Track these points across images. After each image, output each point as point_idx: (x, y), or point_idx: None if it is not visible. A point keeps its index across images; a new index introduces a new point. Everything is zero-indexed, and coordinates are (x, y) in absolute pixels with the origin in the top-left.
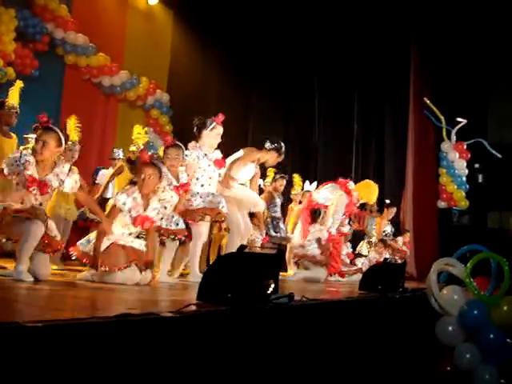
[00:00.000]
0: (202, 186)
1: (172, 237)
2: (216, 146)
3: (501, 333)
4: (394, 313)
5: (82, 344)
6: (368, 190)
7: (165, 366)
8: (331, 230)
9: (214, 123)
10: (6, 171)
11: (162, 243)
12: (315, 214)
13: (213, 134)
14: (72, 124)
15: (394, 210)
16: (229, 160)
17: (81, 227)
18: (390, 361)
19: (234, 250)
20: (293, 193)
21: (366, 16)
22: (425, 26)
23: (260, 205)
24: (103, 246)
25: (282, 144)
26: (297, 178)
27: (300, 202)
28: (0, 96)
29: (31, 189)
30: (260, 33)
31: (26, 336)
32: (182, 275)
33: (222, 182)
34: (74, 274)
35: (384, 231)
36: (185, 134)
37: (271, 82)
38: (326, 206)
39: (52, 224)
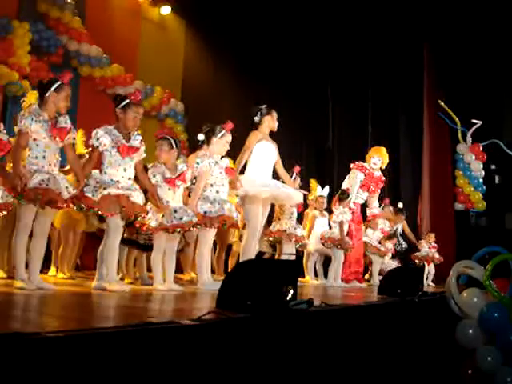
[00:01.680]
0: (218, 192)
1: (178, 230)
2: (224, 154)
3: None
4: (414, 317)
5: (104, 353)
6: (379, 150)
7: (186, 374)
8: (350, 204)
9: (224, 131)
10: None
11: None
12: (343, 195)
13: (222, 141)
14: (79, 138)
15: (403, 217)
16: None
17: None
18: (412, 365)
19: (251, 253)
20: (309, 198)
21: (378, 20)
22: (438, 27)
23: (298, 197)
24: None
25: (263, 105)
26: (313, 183)
27: (316, 208)
28: (15, 109)
29: None
30: (273, 40)
31: (48, 347)
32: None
33: (230, 184)
34: (89, 282)
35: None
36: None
37: (285, 87)
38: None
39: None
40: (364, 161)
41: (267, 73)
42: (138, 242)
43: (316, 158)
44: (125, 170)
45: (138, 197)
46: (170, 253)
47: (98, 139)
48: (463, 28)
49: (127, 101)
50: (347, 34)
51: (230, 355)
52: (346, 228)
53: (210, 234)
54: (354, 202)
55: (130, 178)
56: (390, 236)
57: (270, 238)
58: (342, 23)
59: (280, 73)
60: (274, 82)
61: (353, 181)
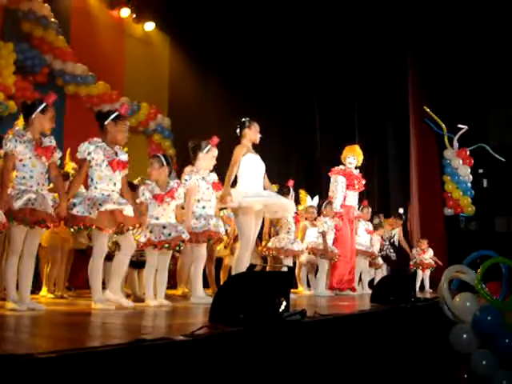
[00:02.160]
0: (204, 207)
1: (166, 246)
2: (212, 169)
3: None
4: (408, 323)
5: (97, 373)
6: (353, 149)
7: None
8: (336, 207)
9: (210, 146)
10: None
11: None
12: (324, 205)
13: (208, 156)
14: (67, 158)
15: (401, 222)
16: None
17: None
18: (407, 371)
19: (244, 266)
20: (299, 208)
21: (361, 30)
22: (421, 35)
23: (291, 208)
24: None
25: (245, 118)
26: (303, 193)
27: (306, 218)
28: (1, 130)
29: None
30: (258, 53)
31: (41, 368)
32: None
33: (220, 198)
34: (80, 301)
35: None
36: (188, 157)
37: (271, 100)
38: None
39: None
40: (339, 164)
41: (253, 86)
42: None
43: (304, 168)
44: (114, 184)
45: (129, 210)
46: (162, 269)
47: (89, 153)
48: (446, 34)
49: (117, 113)
50: (332, 45)
51: (224, 369)
52: (330, 237)
53: (202, 250)
54: (343, 205)
55: (117, 192)
56: (375, 226)
57: (265, 253)
58: (326, 35)
59: (266, 86)
60: (260, 94)
61: (335, 187)
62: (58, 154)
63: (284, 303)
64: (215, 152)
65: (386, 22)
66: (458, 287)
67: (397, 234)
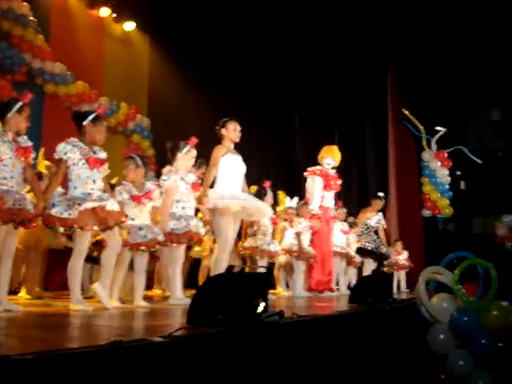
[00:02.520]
0: (183, 208)
1: (142, 248)
2: (190, 169)
3: (492, 337)
4: (386, 324)
5: (74, 374)
6: (330, 149)
7: None
8: (314, 209)
9: (189, 146)
10: None
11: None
12: (300, 206)
13: (188, 156)
14: (41, 157)
15: (382, 202)
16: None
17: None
18: (385, 372)
19: (222, 267)
20: (278, 210)
21: (342, 31)
22: (401, 37)
23: (268, 211)
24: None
25: (225, 118)
26: (282, 194)
27: (285, 220)
28: None
29: None
30: (237, 54)
31: (17, 369)
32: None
33: (198, 198)
34: (57, 302)
35: (366, 224)
36: (166, 157)
37: (251, 100)
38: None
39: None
40: (313, 164)
41: (233, 87)
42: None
43: (284, 169)
44: (94, 181)
45: (113, 204)
46: (139, 270)
47: (65, 153)
48: (425, 36)
49: (96, 114)
50: (311, 47)
51: (202, 371)
52: (307, 238)
53: (181, 251)
54: (321, 206)
55: (100, 189)
56: (351, 225)
57: (242, 253)
58: (305, 36)
59: (246, 86)
60: (240, 94)
61: (312, 188)
62: (32, 155)
63: (262, 304)
64: (194, 153)
65: (366, 24)
66: (435, 288)
67: (375, 220)
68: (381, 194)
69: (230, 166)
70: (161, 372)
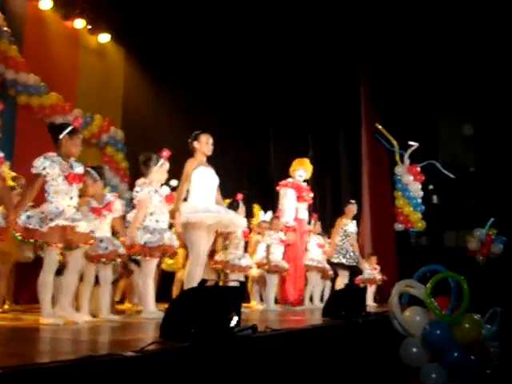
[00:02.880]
0: (157, 221)
1: (103, 260)
2: (164, 182)
3: (464, 350)
4: (359, 337)
5: None
6: (302, 162)
7: None
8: (288, 221)
9: (162, 159)
10: None
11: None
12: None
13: (162, 170)
14: (6, 171)
15: (354, 206)
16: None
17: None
18: None
19: (195, 280)
20: (253, 223)
21: (315, 41)
22: (372, 56)
23: (242, 223)
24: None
25: (198, 131)
26: (256, 208)
27: (259, 233)
28: None
29: None
30: (211, 66)
31: None
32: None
33: (170, 212)
34: (27, 316)
35: (345, 231)
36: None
37: (225, 113)
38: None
39: None
40: (287, 177)
41: (207, 99)
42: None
43: (258, 183)
44: (71, 198)
45: (82, 226)
46: (104, 283)
47: (44, 168)
48: (397, 53)
49: (72, 127)
50: (285, 61)
51: None
52: (279, 251)
53: (154, 264)
54: (296, 219)
55: (74, 207)
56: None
57: (214, 267)
58: (279, 48)
59: (220, 99)
60: (214, 108)
61: (285, 200)
62: (4, 166)
63: (235, 318)
64: (167, 165)
65: (339, 35)
66: (408, 301)
67: (350, 227)
68: (352, 201)
69: (203, 179)
70: None
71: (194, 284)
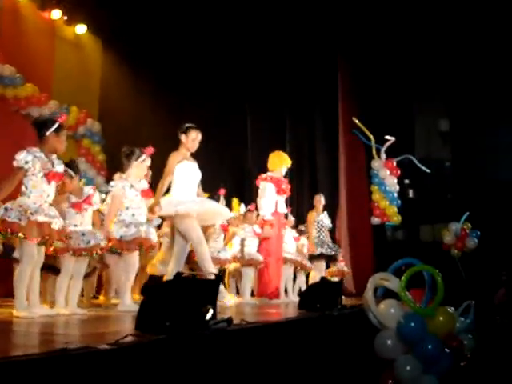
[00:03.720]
0: (133, 215)
1: (84, 254)
2: (143, 178)
3: (438, 343)
4: (334, 330)
5: (19, 383)
6: (279, 155)
7: None
8: (266, 214)
9: (144, 156)
10: None
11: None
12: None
13: (143, 165)
14: None
15: (321, 197)
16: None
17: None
18: (332, 378)
19: (209, 259)
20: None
21: (292, 41)
22: (350, 49)
23: (227, 213)
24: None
25: (185, 124)
26: (235, 201)
27: (236, 226)
28: None
29: None
30: (190, 60)
31: None
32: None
33: (149, 208)
34: (1, 310)
35: (319, 222)
36: (118, 163)
37: (204, 106)
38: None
39: None
40: (264, 171)
41: (186, 91)
42: (54, 266)
43: (236, 176)
44: (48, 195)
45: (56, 223)
46: (77, 276)
47: (26, 162)
48: (374, 47)
49: (58, 124)
50: (263, 54)
51: (149, 378)
52: (253, 244)
53: (134, 258)
54: (275, 212)
55: (50, 204)
56: (301, 231)
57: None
58: (257, 41)
59: (198, 91)
60: (192, 100)
61: (263, 194)
62: None
63: (211, 311)
64: (149, 162)
65: (317, 28)
66: (383, 294)
67: (324, 220)
68: (319, 193)
69: (186, 173)
70: (107, 380)
71: (210, 262)
